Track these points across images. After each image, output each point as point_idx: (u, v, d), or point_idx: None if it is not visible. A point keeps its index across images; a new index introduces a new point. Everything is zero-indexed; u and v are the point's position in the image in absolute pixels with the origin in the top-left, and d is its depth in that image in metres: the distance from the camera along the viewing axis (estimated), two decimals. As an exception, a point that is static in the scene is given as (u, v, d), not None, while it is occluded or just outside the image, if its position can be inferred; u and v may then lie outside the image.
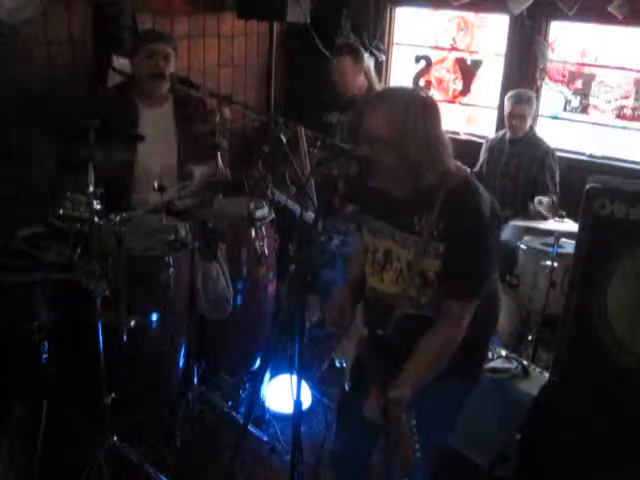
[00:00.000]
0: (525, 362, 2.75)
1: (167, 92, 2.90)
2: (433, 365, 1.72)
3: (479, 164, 4.15)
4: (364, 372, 1.85)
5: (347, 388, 2.05)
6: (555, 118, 4.48)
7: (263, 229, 2.77)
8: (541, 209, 3.63)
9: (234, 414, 2.84)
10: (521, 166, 3.93)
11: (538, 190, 3.85)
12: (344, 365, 2.65)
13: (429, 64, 4.85)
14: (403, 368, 1.70)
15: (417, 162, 1.69)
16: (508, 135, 4.02)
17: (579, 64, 4.37)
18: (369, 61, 3.87)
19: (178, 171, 2.85)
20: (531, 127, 3.98)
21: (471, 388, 1.98)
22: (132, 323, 2.30)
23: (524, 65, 4.36)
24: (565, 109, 4.48)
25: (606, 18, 3.90)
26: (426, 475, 1.93)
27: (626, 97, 4.27)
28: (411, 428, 1.43)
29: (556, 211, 3.56)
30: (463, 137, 4.63)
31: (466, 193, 1.74)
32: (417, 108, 1.69)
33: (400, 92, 1.79)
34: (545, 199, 3.68)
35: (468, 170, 1.88)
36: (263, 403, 2.91)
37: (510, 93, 3.97)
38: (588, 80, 4.37)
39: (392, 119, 1.67)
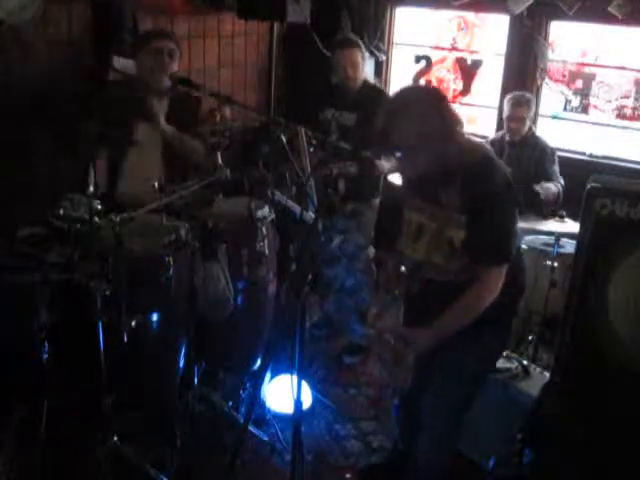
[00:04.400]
0: (526, 362, 2.75)
1: (165, 92, 2.86)
2: (458, 322, 1.99)
3: None
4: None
5: None
6: (555, 118, 4.48)
7: (263, 229, 2.77)
8: (541, 191, 3.64)
9: (234, 414, 2.83)
10: (519, 171, 3.91)
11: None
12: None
13: (429, 64, 4.84)
14: (434, 323, 2.00)
15: (442, 148, 1.91)
16: (507, 137, 3.99)
17: (579, 64, 4.38)
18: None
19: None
20: (530, 129, 3.93)
21: (505, 338, 2.28)
22: (132, 323, 2.29)
23: (524, 65, 4.36)
24: (565, 109, 4.48)
25: (606, 18, 3.90)
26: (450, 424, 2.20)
27: (626, 97, 4.27)
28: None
29: (555, 202, 3.63)
30: (463, 137, 4.62)
31: (483, 167, 1.97)
32: (428, 107, 1.90)
33: (406, 100, 1.95)
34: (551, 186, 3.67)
35: (485, 145, 2.09)
36: (263, 403, 2.91)
37: (509, 96, 3.94)
38: (588, 80, 4.38)
39: (413, 130, 1.88)
